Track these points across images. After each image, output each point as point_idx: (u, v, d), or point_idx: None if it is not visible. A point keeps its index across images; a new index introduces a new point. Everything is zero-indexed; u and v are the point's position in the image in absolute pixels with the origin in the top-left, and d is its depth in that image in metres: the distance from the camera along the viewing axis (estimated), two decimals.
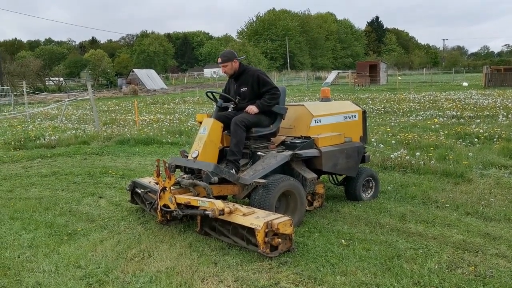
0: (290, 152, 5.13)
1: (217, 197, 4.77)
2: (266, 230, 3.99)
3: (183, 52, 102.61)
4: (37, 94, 33.32)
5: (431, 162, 7.38)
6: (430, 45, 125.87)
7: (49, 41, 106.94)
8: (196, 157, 4.92)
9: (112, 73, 67.66)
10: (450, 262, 3.97)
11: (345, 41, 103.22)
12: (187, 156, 5.18)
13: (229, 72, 5.43)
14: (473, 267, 3.84)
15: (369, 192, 6.04)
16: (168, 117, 17.44)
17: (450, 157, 7.69)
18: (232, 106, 5.48)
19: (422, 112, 15.31)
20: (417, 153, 7.86)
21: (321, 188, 5.52)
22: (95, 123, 14.28)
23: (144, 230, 4.99)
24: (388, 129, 11.38)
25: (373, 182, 6.06)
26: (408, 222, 5.07)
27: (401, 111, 16.22)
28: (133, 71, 58.81)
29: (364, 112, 6.14)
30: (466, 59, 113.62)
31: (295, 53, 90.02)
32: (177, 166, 5.28)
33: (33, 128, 14.66)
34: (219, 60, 5.40)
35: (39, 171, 8.42)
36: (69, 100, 22.03)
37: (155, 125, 14.28)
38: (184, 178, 5.01)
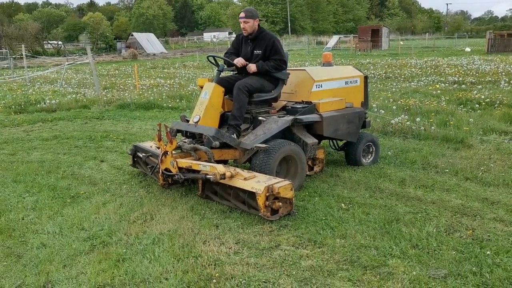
0: (291, 117, 5.11)
1: (218, 162, 4.79)
2: (267, 194, 4.03)
3: (182, 16, 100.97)
4: (36, 57, 33.04)
5: (432, 127, 7.39)
6: (433, 9, 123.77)
7: (46, 3, 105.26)
8: (197, 122, 4.92)
9: (111, 37, 66.76)
10: (448, 226, 4.04)
11: (347, 5, 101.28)
12: (188, 121, 5.16)
13: (248, 30, 5.26)
14: (471, 231, 3.91)
15: (369, 157, 6.06)
16: (168, 81, 17.33)
17: (451, 123, 7.69)
18: (233, 70, 5.43)
19: (424, 78, 15.19)
20: (418, 119, 7.85)
21: (322, 153, 5.54)
22: (95, 87, 14.20)
23: (146, 194, 5.04)
24: (389, 95, 11.34)
25: (374, 147, 6.07)
26: (408, 186, 5.12)
27: (403, 76, 16.10)
28: (132, 35, 57.96)
29: (365, 78, 6.09)
30: (469, 24, 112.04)
31: (296, 17, 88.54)
32: (178, 131, 5.28)
33: (33, 92, 14.61)
34: (242, 14, 5.23)
35: (40, 135, 8.44)
36: (68, 64, 21.83)
37: (155, 90, 14.22)
38: (185, 142, 5.02)
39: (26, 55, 21.18)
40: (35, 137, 8.28)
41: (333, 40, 51.93)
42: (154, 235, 3.95)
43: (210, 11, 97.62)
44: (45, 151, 7.16)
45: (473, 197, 4.74)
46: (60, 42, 58.14)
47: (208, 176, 4.34)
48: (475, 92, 11.19)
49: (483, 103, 9.64)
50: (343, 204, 4.57)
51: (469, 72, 16.48)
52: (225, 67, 5.35)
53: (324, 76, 5.63)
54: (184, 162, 4.66)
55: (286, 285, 3.14)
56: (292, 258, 3.51)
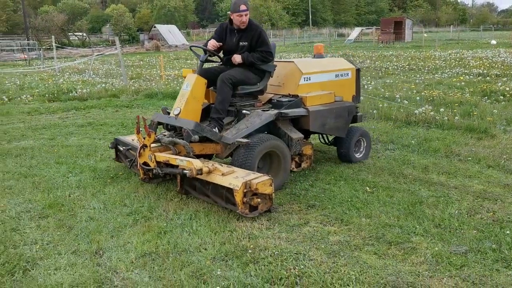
0: (276, 111, 4.91)
1: (199, 156, 4.71)
2: (245, 190, 3.95)
3: (203, 8, 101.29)
4: (64, 48, 33.72)
5: (455, 118, 7.51)
6: (459, 1, 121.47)
7: None
8: (178, 114, 4.75)
9: (134, 29, 67.42)
10: (470, 208, 4.23)
11: None
12: (169, 113, 4.99)
13: (246, 23, 5.03)
14: (491, 213, 4.10)
15: (360, 152, 5.89)
16: None
17: (475, 113, 7.80)
18: (211, 55, 5.18)
19: (448, 70, 15.19)
20: (442, 109, 7.98)
21: (309, 149, 5.42)
22: (123, 77, 14.59)
23: None
24: (413, 86, 11.43)
25: (365, 142, 5.92)
26: (431, 173, 5.30)
27: (426, 68, 16.10)
28: (154, 27, 58.51)
29: (358, 70, 5.88)
30: (495, 16, 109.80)
31: (317, 9, 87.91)
32: (159, 123, 5.14)
33: (64, 82, 15.07)
34: (243, 7, 4.92)
35: (75, 122, 8.82)
36: (97, 55, 22.34)
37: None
38: (165, 135, 4.89)
39: (55, 46, 21.72)
40: (71, 123, 8.66)
41: (355, 32, 51.62)
42: (191, 212, 4.24)
43: (230, 3, 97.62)
44: (82, 136, 7.52)
45: (494, 183, 4.91)
46: (84, 34, 58.98)
47: (185, 171, 4.24)
48: (500, 84, 11.22)
49: (508, 95, 9.69)
50: (367, 188, 4.80)
51: (494, 64, 16.40)
52: (206, 56, 5.06)
53: (313, 69, 5.44)
54: (162, 156, 4.52)
55: (316, 257, 3.40)
56: (320, 234, 3.76)
